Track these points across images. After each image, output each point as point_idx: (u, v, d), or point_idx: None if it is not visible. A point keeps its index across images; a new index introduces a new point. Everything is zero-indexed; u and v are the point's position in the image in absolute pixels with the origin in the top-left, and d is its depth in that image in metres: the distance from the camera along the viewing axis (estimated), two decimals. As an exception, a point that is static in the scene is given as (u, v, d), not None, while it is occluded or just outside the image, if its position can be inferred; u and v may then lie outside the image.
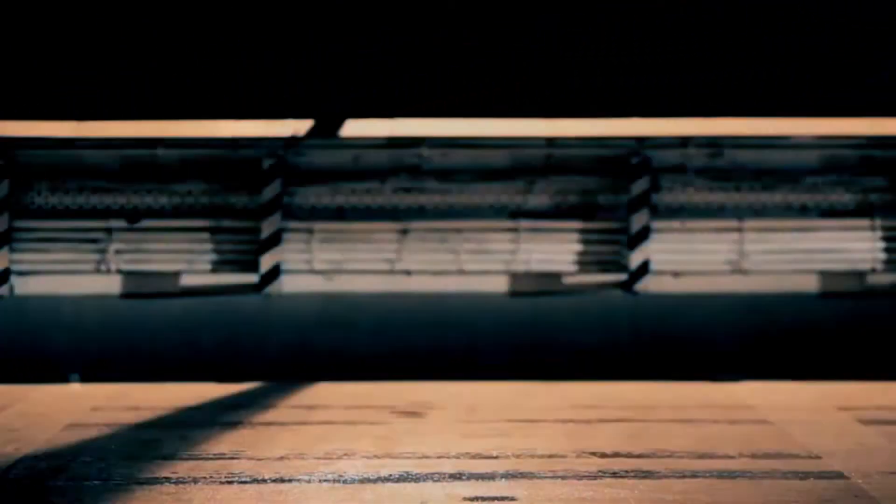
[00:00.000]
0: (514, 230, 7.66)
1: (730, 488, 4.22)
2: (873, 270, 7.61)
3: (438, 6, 7.92)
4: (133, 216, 7.67)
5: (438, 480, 4.34)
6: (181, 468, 4.55)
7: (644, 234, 7.58)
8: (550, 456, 4.79)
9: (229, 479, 4.36)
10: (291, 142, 7.67)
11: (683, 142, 7.70)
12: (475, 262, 7.66)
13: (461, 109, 7.89)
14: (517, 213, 7.68)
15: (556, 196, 7.69)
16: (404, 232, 7.67)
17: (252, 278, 7.59)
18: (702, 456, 4.79)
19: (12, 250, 7.60)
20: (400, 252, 7.66)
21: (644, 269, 7.55)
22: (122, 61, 7.93)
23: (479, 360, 7.57)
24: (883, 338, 7.55)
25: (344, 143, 7.69)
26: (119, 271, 7.63)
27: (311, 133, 7.70)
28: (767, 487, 4.23)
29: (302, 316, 7.59)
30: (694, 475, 4.42)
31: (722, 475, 4.42)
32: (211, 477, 4.40)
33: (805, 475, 4.43)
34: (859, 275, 7.62)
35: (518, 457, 4.77)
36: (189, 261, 7.64)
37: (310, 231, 7.66)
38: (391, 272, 7.65)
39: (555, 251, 7.66)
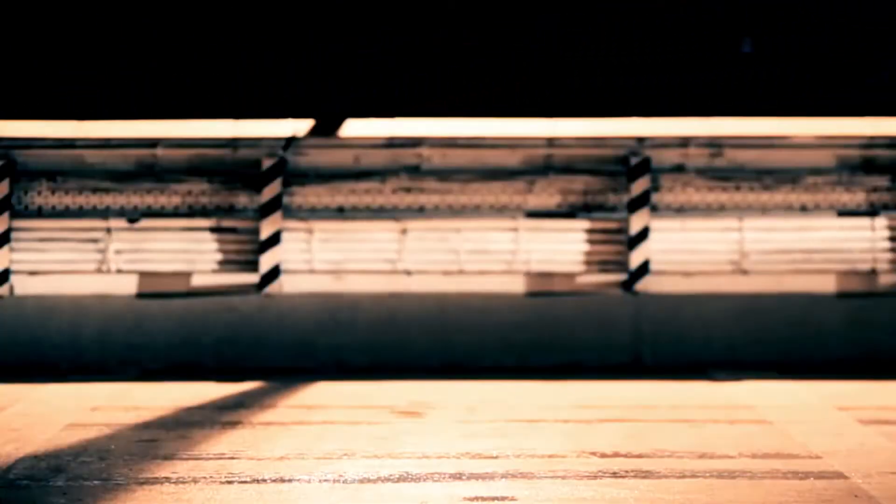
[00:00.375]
0: (514, 230, 7.66)
1: (730, 488, 4.22)
2: (874, 271, 7.61)
3: (438, 6, 7.92)
4: (133, 216, 7.67)
5: (438, 480, 4.34)
6: (181, 468, 4.55)
7: (644, 234, 7.58)
8: (550, 456, 4.79)
9: (229, 479, 4.36)
10: (291, 142, 7.67)
11: (683, 142, 7.70)
12: (475, 263, 7.66)
13: (461, 109, 7.89)
14: (517, 213, 7.68)
15: (556, 196, 7.69)
16: (404, 232, 7.67)
17: (252, 278, 7.59)
18: (702, 456, 4.79)
19: (12, 250, 7.60)
20: (400, 252, 7.66)
21: (644, 268, 7.55)
22: (122, 61, 7.93)
23: (476, 357, 7.57)
24: (882, 338, 7.55)
25: (344, 143, 7.69)
26: (118, 271, 7.63)
27: (311, 133, 7.70)
28: (767, 487, 4.23)
29: (302, 316, 7.59)
30: (694, 475, 4.42)
31: (722, 475, 4.42)
32: (211, 477, 4.40)
33: (805, 475, 4.43)
34: (861, 275, 7.62)
35: (518, 457, 4.77)
36: (188, 261, 7.64)
37: (310, 231, 7.66)
38: (391, 272, 7.65)
39: (554, 251, 7.66)
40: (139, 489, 4.21)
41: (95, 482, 4.32)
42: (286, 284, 7.59)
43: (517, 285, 7.64)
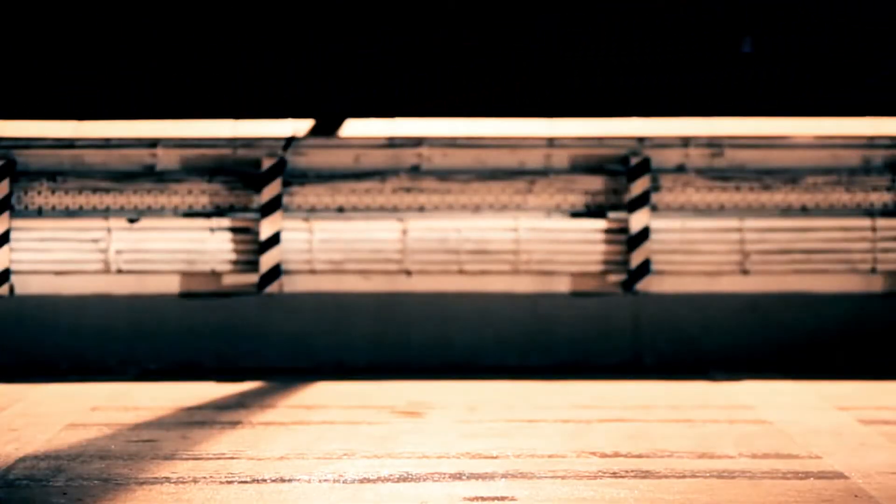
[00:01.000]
0: (514, 230, 7.66)
1: (730, 488, 4.22)
2: (874, 271, 7.61)
3: (438, 6, 7.92)
4: (133, 216, 7.67)
5: (438, 480, 4.34)
6: (181, 468, 4.55)
7: (644, 234, 7.58)
8: (550, 456, 4.79)
9: (229, 479, 4.36)
10: (291, 142, 7.67)
11: (684, 142, 7.70)
12: (475, 263, 7.66)
13: (461, 109, 7.89)
14: (517, 213, 7.68)
15: (556, 196, 7.69)
16: (404, 232, 7.67)
17: (252, 278, 7.59)
18: (701, 456, 4.79)
19: (12, 250, 7.60)
20: (400, 252, 7.66)
21: (644, 268, 7.55)
22: (122, 61, 7.93)
23: (476, 357, 7.57)
24: (879, 338, 7.55)
25: (344, 143, 7.69)
26: (118, 271, 7.63)
27: (311, 133, 7.70)
28: (767, 487, 4.23)
29: (302, 316, 7.59)
30: (694, 475, 4.42)
31: (722, 475, 4.42)
32: (211, 477, 4.40)
33: (805, 475, 4.43)
34: (861, 274, 7.62)
35: (518, 457, 4.77)
36: (189, 261, 7.64)
37: (310, 231, 7.66)
38: (391, 272, 7.65)
39: (555, 251, 7.66)
40: (139, 489, 4.21)
41: (95, 482, 4.32)
42: (286, 284, 7.59)
43: (517, 285, 7.64)
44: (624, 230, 7.63)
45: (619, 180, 7.66)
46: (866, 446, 4.98)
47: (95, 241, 7.64)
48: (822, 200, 7.68)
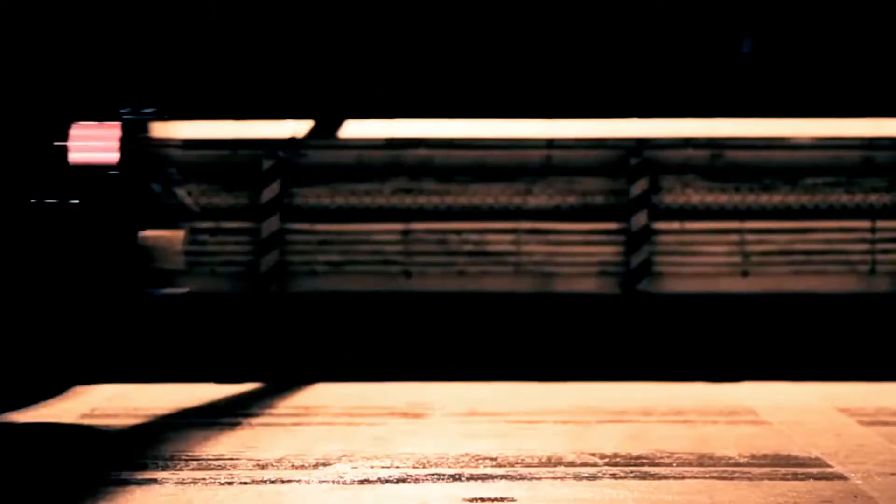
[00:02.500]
0: (514, 231, 7.66)
1: (729, 489, 4.22)
2: (874, 272, 7.62)
3: (439, 5, 7.93)
4: (133, 217, 7.67)
5: (438, 481, 4.34)
6: (181, 468, 4.55)
7: (644, 235, 7.58)
8: (550, 457, 4.79)
9: (229, 480, 4.36)
10: (291, 142, 7.67)
11: (683, 142, 7.70)
12: (475, 264, 7.66)
13: (461, 109, 7.89)
14: (517, 214, 7.68)
15: (556, 197, 7.70)
16: (404, 233, 7.67)
17: (252, 280, 7.59)
18: (701, 457, 4.79)
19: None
20: (400, 253, 7.67)
21: (644, 270, 7.55)
22: (122, 61, 7.93)
23: (476, 358, 7.58)
24: (880, 339, 7.56)
25: (344, 144, 7.70)
26: (119, 272, 7.63)
27: (311, 133, 7.71)
28: (767, 488, 4.22)
29: (302, 316, 7.59)
30: (694, 476, 4.42)
31: (722, 476, 4.42)
32: (211, 478, 4.40)
33: (805, 476, 4.43)
34: (861, 276, 7.62)
35: (517, 457, 4.77)
36: (188, 263, 7.64)
37: (310, 232, 7.66)
38: (391, 273, 7.65)
39: (555, 252, 7.67)
40: (139, 489, 4.21)
41: (95, 482, 4.32)
42: (287, 285, 7.60)
43: (517, 286, 7.64)
44: (624, 231, 7.63)
45: (619, 181, 7.66)
46: (866, 447, 4.98)
47: (95, 241, 7.64)
48: (822, 201, 7.68)
